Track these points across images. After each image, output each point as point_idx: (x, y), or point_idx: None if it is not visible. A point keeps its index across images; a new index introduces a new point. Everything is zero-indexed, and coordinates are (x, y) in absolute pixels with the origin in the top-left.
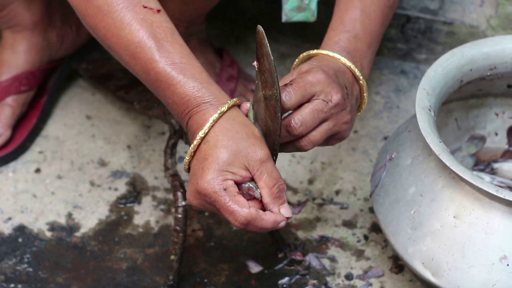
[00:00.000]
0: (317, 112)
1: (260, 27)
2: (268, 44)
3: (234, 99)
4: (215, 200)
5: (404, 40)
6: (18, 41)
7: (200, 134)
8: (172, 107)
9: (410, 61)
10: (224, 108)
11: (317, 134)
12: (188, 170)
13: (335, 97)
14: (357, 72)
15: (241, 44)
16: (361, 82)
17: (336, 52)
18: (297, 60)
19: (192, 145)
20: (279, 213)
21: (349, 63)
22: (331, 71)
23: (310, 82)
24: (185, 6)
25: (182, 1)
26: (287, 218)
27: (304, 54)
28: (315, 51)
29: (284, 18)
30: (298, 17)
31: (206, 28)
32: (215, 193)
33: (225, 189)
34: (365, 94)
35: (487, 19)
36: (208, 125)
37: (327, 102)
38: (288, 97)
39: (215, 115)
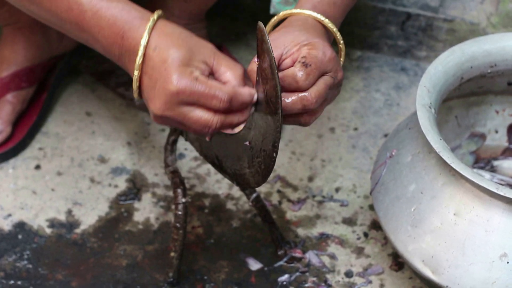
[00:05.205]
0: (328, 88)
1: (260, 24)
2: (268, 40)
3: (158, 11)
4: (191, 92)
5: (404, 37)
6: (18, 37)
7: (143, 41)
8: (102, 36)
9: (410, 58)
10: (155, 17)
11: (320, 108)
12: (139, 94)
13: (340, 74)
14: (338, 36)
15: (241, 41)
16: (340, 46)
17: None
18: (274, 19)
19: (138, 56)
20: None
21: (333, 27)
22: (327, 41)
23: (324, 62)
24: (185, 3)
25: None
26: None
27: (286, 12)
28: (301, 11)
29: (272, 10)
30: (285, 10)
31: (206, 26)
32: (189, 86)
33: (196, 79)
34: (342, 59)
35: (487, 17)
36: (147, 31)
37: (333, 79)
38: (309, 80)
39: (150, 23)
